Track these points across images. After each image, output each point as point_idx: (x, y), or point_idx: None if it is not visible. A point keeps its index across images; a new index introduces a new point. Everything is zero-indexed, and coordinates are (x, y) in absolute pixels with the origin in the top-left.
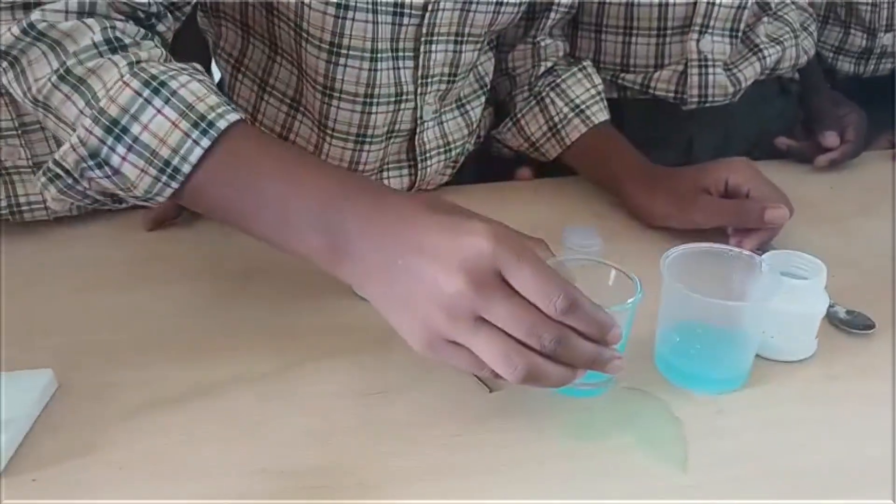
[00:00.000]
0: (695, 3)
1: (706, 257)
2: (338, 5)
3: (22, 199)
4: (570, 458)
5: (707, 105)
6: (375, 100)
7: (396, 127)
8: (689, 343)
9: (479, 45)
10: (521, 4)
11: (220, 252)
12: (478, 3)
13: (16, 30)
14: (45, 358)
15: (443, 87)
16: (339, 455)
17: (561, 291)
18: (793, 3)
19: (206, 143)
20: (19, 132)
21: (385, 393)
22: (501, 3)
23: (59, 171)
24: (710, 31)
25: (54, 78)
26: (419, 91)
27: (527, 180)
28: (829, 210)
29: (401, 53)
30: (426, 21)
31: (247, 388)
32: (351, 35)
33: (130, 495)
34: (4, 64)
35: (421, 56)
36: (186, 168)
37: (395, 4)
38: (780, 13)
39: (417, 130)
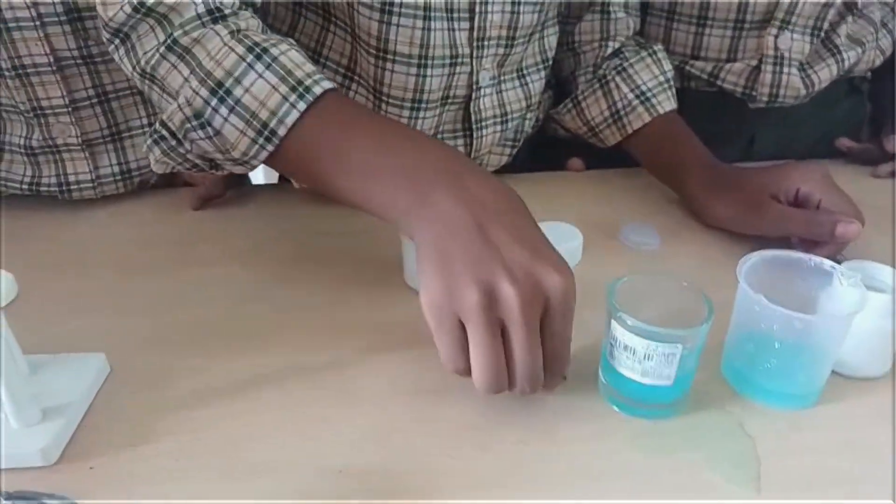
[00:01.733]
0: None
1: (783, 265)
2: None
3: (71, 178)
4: (634, 473)
5: (776, 105)
6: (430, 62)
7: (452, 92)
8: (764, 356)
9: (538, 8)
10: None
11: (269, 234)
12: None
13: (127, 8)
14: (94, 341)
15: (500, 51)
16: (400, 456)
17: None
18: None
19: (302, 106)
20: (70, 109)
21: (442, 392)
22: None
23: (164, 132)
24: (790, 27)
25: (162, 49)
26: (475, 54)
27: (578, 171)
28: (885, 219)
29: (455, 14)
30: None
31: (302, 381)
32: None
33: (187, 489)
34: (117, 41)
35: (476, 17)
36: (282, 130)
37: None
38: (864, 11)
39: (473, 97)
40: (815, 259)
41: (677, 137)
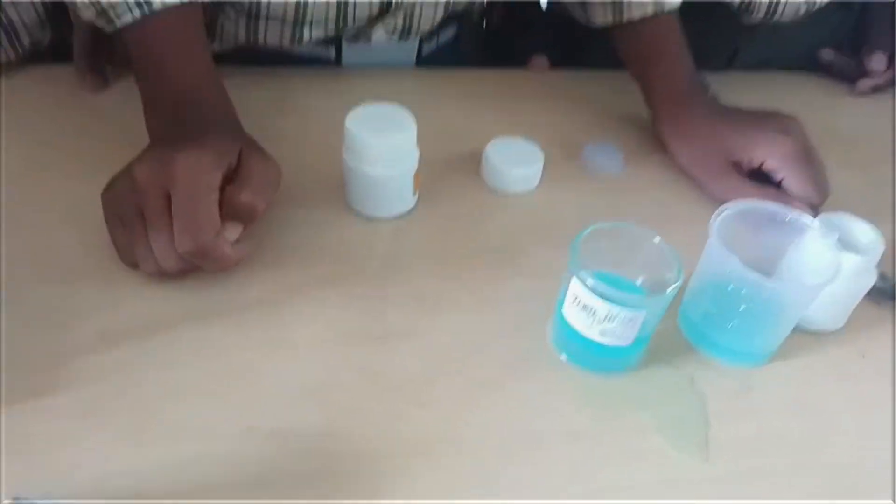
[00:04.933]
0: None
1: (758, 217)
2: None
3: None
4: (579, 437)
5: (770, 22)
6: None
7: None
8: (727, 316)
9: None
10: None
11: None
12: None
13: None
14: None
15: None
16: (338, 414)
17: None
18: None
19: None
20: None
21: (386, 340)
22: None
23: None
24: None
25: None
26: None
27: (542, 71)
28: (857, 153)
29: None
30: None
31: (226, 324)
32: None
33: (91, 456)
34: None
35: None
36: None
37: None
38: None
39: None
40: (793, 214)
41: (665, 55)
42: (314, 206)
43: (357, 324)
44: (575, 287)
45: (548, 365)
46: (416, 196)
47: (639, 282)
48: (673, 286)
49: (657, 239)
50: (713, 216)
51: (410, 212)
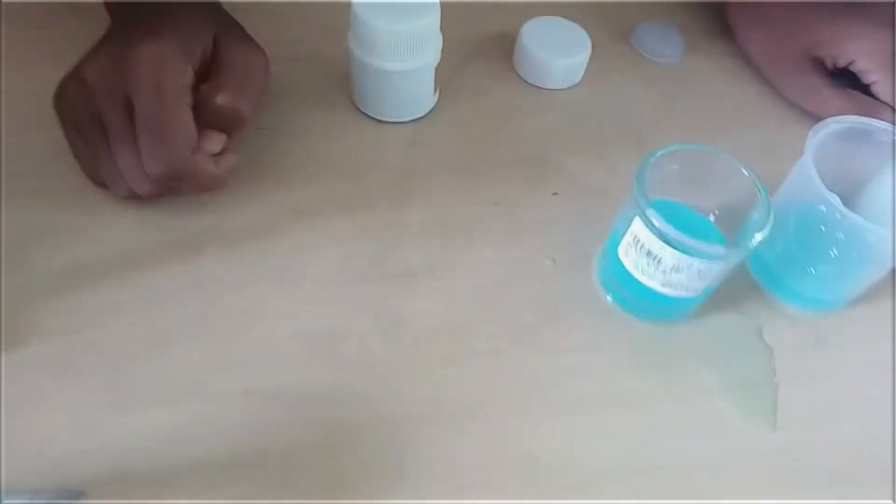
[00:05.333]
0: None
1: (859, 136)
2: None
3: None
4: (627, 403)
5: None
6: None
7: None
8: (811, 260)
9: None
10: None
11: None
12: None
13: None
14: None
15: None
16: (350, 373)
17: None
18: None
19: None
20: None
21: (404, 278)
22: None
23: None
24: None
25: None
26: None
27: None
28: None
29: None
30: None
31: (221, 257)
32: None
33: (72, 422)
34: None
35: None
36: None
37: None
38: None
39: None
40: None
41: None
42: (314, 108)
43: (370, 258)
44: (638, 227)
45: (594, 311)
46: (437, 94)
47: (712, 217)
48: (760, 234)
49: (745, 170)
50: (809, 135)
51: (430, 114)
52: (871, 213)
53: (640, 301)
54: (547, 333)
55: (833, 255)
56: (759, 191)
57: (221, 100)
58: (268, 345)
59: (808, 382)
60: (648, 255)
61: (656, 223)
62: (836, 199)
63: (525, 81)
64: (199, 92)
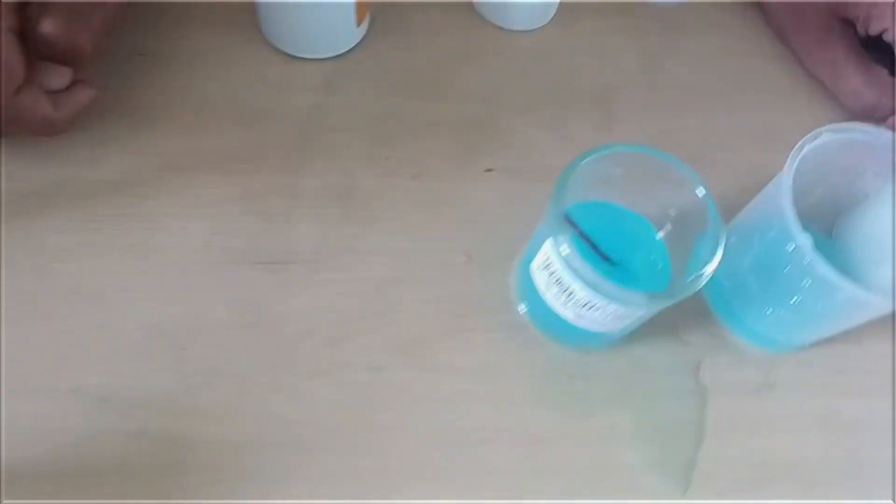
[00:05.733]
0: None
1: (864, 151)
2: None
3: None
4: (525, 441)
5: None
6: None
7: None
8: (769, 300)
9: None
10: None
11: None
12: None
13: None
14: None
15: None
16: (199, 377)
17: None
18: None
19: None
20: None
21: (285, 264)
22: None
23: None
24: None
25: None
26: None
27: None
28: None
29: None
30: None
31: (59, 221)
32: None
33: None
34: None
35: None
36: None
37: None
38: None
39: None
40: None
41: None
42: (212, 34)
43: (245, 234)
44: (550, 249)
45: (502, 326)
46: (365, 27)
47: (661, 234)
48: (700, 275)
49: (700, 191)
50: (794, 151)
51: (354, 51)
52: (860, 242)
53: (555, 325)
54: (441, 349)
55: (794, 302)
56: (711, 219)
57: (47, 27)
58: (105, 335)
59: (741, 438)
60: (559, 284)
61: (565, 253)
62: (807, 241)
63: (482, 18)
64: (25, 17)
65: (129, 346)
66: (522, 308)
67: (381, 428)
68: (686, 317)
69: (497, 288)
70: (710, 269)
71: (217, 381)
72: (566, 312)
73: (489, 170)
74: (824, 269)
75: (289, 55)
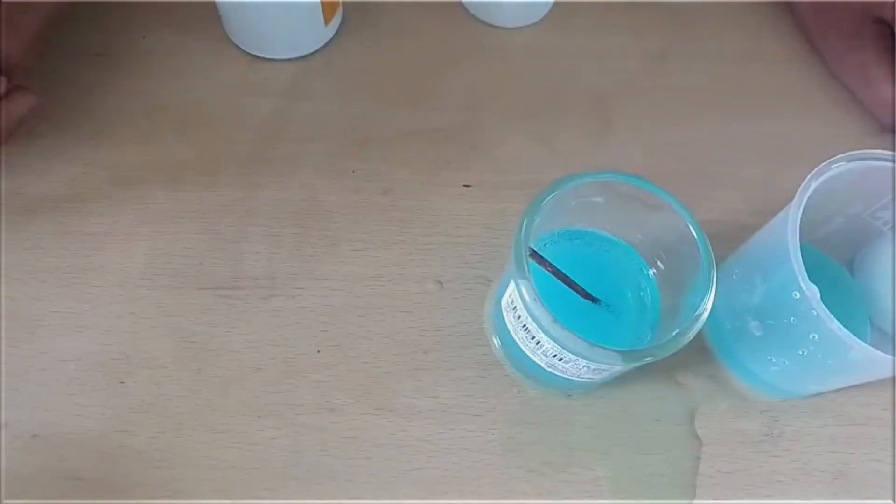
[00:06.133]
0: None
1: (885, 179)
2: None
3: None
4: (494, 491)
5: None
6: None
7: None
8: (773, 350)
9: None
10: None
11: None
12: None
13: None
14: None
15: None
16: (135, 416)
17: None
18: None
19: None
20: None
21: (237, 288)
22: None
23: None
24: None
25: None
26: None
27: None
28: None
29: None
30: None
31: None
32: None
33: None
34: None
35: None
36: None
37: None
38: None
39: None
40: None
41: None
42: (173, 34)
43: (193, 255)
44: (515, 295)
45: (473, 363)
46: (335, 26)
47: (653, 271)
48: (686, 329)
49: (692, 229)
50: (805, 182)
51: (324, 49)
52: (881, 277)
53: (529, 366)
54: (403, 389)
55: (802, 354)
56: (702, 265)
57: None
58: (36, 366)
59: (738, 495)
60: (525, 330)
61: (528, 298)
62: (815, 292)
63: (467, 13)
64: None
65: (63, 379)
66: (496, 342)
67: (334, 476)
68: (682, 355)
69: (470, 319)
70: (696, 327)
71: (156, 421)
72: (536, 359)
73: (467, 185)
74: (833, 326)
75: (252, 55)
